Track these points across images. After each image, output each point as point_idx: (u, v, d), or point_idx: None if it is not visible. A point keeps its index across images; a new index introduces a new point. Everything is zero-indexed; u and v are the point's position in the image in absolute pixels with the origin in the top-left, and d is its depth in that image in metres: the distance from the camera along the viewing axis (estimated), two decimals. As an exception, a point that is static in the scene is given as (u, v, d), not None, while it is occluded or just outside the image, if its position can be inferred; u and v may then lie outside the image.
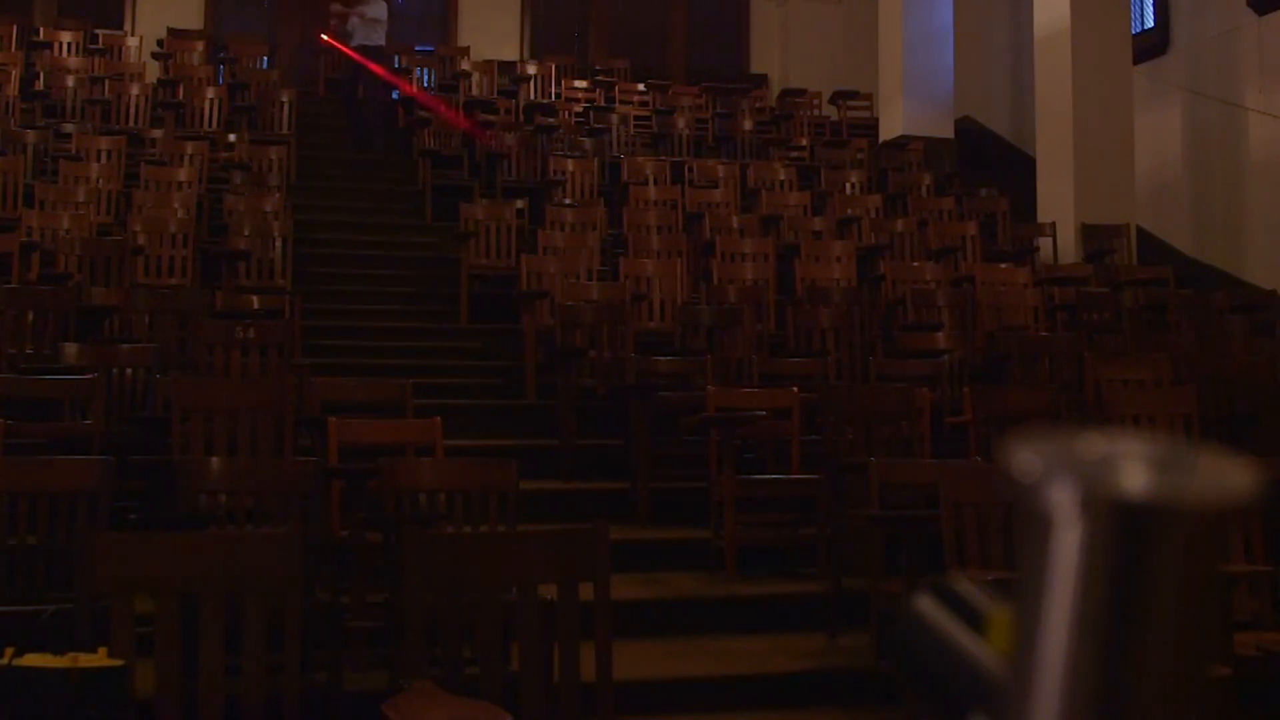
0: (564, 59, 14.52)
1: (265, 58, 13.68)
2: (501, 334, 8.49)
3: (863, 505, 5.08)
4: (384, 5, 12.10)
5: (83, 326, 6.90)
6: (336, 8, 11.92)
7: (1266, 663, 4.09)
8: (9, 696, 2.77)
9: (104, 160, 9.71)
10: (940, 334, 7.79)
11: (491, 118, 11.78)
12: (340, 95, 12.29)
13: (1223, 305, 8.81)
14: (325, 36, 12.37)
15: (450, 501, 4.57)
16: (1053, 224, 10.52)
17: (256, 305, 7.56)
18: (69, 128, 10.46)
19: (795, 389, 6.43)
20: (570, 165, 10.57)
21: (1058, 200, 10.60)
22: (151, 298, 7.29)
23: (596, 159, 10.96)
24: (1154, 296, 8.86)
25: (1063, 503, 0.45)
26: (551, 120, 11.97)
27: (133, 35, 13.69)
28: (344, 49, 11.78)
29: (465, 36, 15.09)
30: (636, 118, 12.72)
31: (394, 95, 11.89)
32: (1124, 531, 0.45)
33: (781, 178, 10.98)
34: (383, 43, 11.86)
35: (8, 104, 10.89)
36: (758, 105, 13.59)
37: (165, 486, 4.92)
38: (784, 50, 15.87)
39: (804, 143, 12.44)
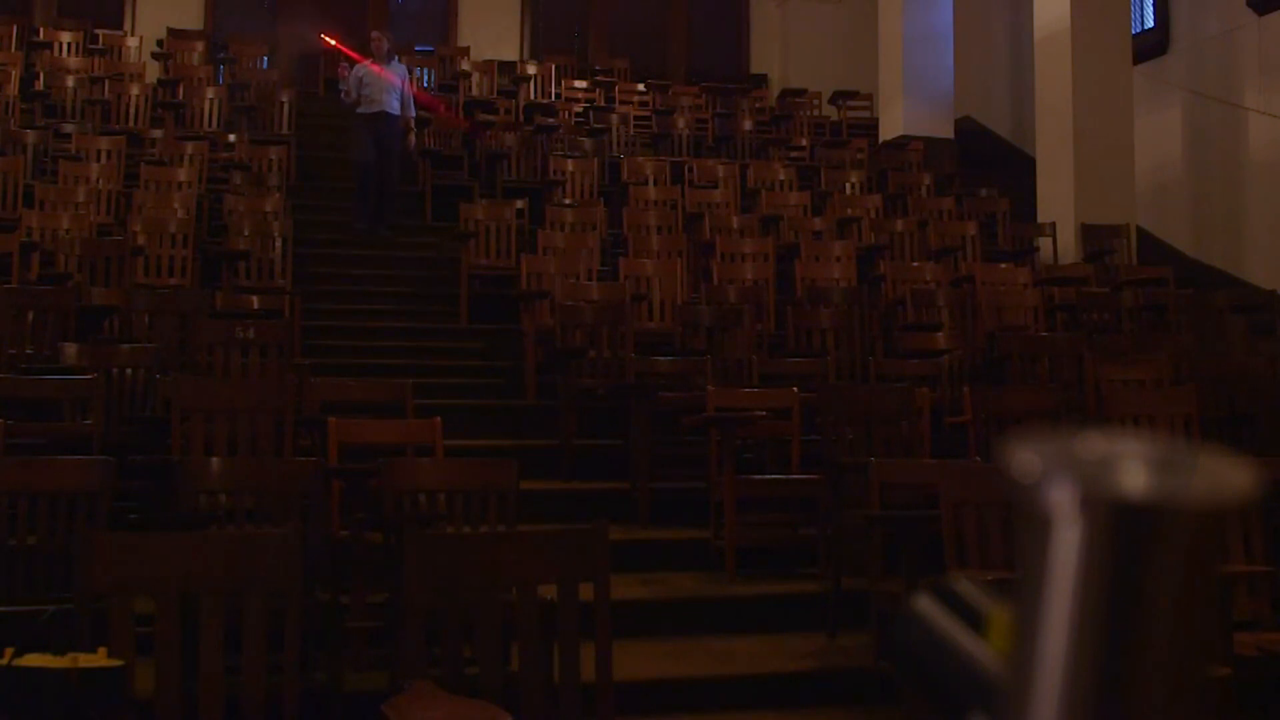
0: (564, 59, 14.51)
1: (265, 58, 13.67)
2: (501, 334, 8.49)
3: (863, 505, 5.09)
4: (402, 68, 10.78)
5: (83, 326, 6.90)
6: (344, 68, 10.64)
7: (1266, 663, 4.09)
8: (9, 696, 2.77)
9: (104, 160, 9.71)
10: (940, 334, 7.79)
11: (491, 118, 11.77)
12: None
13: (1223, 305, 8.80)
14: (329, 40, 12.28)
15: (450, 501, 4.57)
16: (1053, 224, 10.51)
17: (256, 305, 7.57)
18: (69, 128, 10.46)
19: (795, 389, 6.43)
20: (570, 165, 10.56)
21: (1058, 200, 10.60)
22: (151, 298, 7.29)
23: (596, 159, 10.95)
24: (1154, 296, 8.85)
25: (1063, 503, 0.45)
26: (551, 120, 11.96)
27: (133, 35, 13.69)
28: (346, 50, 11.72)
29: (465, 36, 15.09)
30: (636, 118, 12.72)
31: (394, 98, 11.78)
32: (1124, 531, 0.45)
33: (781, 178, 10.98)
34: (396, 110, 10.34)
35: (8, 104, 10.89)
36: (758, 105, 13.58)
37: (165, 486, 4.93)
38: (784, 50, 15.87)
39: (804, 143, 12.44)
